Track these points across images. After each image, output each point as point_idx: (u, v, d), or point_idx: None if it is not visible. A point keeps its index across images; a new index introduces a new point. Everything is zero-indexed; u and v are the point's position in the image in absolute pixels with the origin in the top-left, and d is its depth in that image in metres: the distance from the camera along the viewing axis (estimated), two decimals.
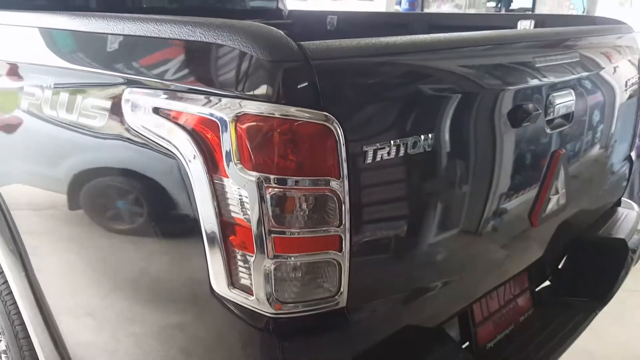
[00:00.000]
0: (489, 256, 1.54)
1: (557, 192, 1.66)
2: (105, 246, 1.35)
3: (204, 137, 1.06)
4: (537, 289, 2.04)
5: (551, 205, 1.66)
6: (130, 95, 1.19)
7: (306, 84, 1.03)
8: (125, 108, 1.19)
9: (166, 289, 1.24)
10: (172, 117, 1.11)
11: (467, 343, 1.72)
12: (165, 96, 1.13)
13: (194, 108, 1.07)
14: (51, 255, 1.55)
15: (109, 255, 1.35)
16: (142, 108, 1.16)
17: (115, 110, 1.22)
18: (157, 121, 1.13)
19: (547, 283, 2.13)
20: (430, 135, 1.20)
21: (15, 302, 1.69)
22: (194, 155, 1.06)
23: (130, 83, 1.20)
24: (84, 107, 1.29)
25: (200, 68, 1.12)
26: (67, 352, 1.59)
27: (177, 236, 1.20)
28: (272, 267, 1.04)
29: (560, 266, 2.13)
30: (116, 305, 1.38)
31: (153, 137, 1.14)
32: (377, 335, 1.26)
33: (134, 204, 1.26)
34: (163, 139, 1.12)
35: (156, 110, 1.13)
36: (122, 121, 1.20)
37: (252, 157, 1.01)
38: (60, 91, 1.36)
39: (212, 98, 1.06)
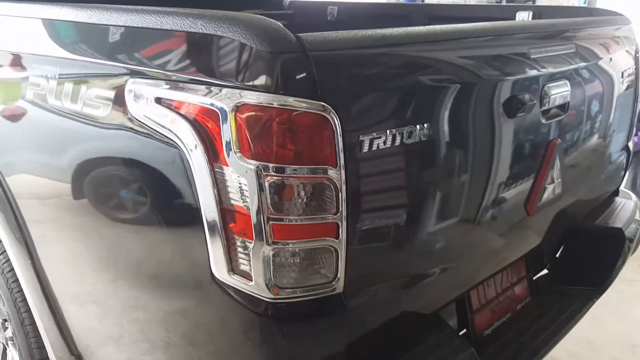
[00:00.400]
0: (484, 244, 1.57)
1: (552, 182, 1.68)
2: (108, 234, 1.39)
3: (204, 126, 1.08)
4: (534, 278, 2.07)
5: (547, 195, 1.68)
6: (133, 85, 1.21)
7: (304, 74, 1.05)
8: (129, 98, 1.22)
9: (168, 276, 1.27)
10: (174, 107, 1.13)
11: (464, 330, 1.76)
12: (167, 86, 1.15)
13: (195, 98, 1.10)
14: (56, 244, 1.58)
15: (112, 243, 1.38)
16: (145, 98, 1.18)
17: (119, 100, 1.24)
18: (160, 111, 1.15)
19: (544, 271, 2.17)
20: (426, 125, 1.22)
21: (21, 290, 1.73)
22: (195, 145, 1.09)
23: (133, 74, 1.23)
24: (88, 97, 1.32)
25: (201, 59, 1.14)
26: (72, 339, 1.63)
27: (179, 224, 1.22)
28: (271, 253, 1.07)
29: (557, 255, 2.16)
30: (119, 292, 1.41)
31: (155, 127, 1.17)
32: (374, 320, 1.29)
33: (136, 192, 1.29)
34: (165, 128, 1.15)
35: (158, 100, 1.16)
36: (125, 111, 1.23)
37: (252, 146, 1.04)
38: (65, 82, 1.39)
39: (212, 88, 1.08)
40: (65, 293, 1.61)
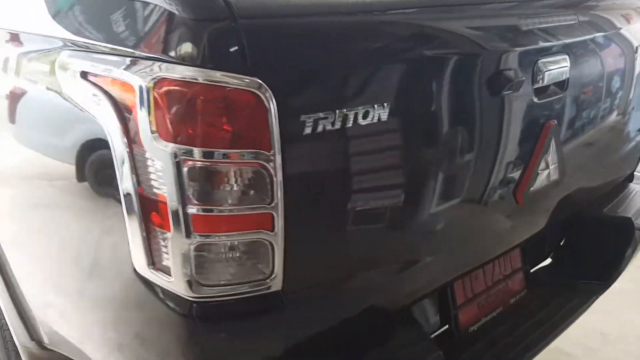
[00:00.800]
0: (463, 235, 1.41)
1: (547, 167, 1.52)
2: (43, 219, 1.30)
3: (123, 103, 0.96)
4: (533, 270, 1.92)
5: (540, 182, 1.52)
6: (63, 58, 1.11)
7: (233, 45, 0.92)
8: (59, 72, 1.11)
9: (94, 265, 1.17)
10: (96, 82, 1.02)
11: (446, 326, 1.63)
12: (91, 59, 1.04)
13: (115, 71, 0.98)
14: (7, 227, 1.50)
15: (48, 230, 1.29)
16: (72, 72, 1.08)
17: (52, 75, 1.14)
18: (84, 86, 1.04)
19: (547, 262, 2.01)
20: (386, 105, 1.08)
21: None
22: (114, 123, 0.97)
23: (64, 46, 1.13)
24: (28, 72, 1.23)
25: (125, 28, 1.01)
26: (32, 324, 1.55)
27: (104, 212, 1.11)
28: (192, 247, 0.95)
29: (560, 246, 2.00)
30: (61, 280, 1.32)
31: (82, 104, 1.06)
32: (323, 321, 1.16)
33: (67, 175, 1.18)
34: (90, 105, 1.03)
35: (84, 75, 1.04)
36: (58, 87, 1.12)
37: (170, 126, 0.91)
38: (8, 55, 1.30)
39: (132, 60, 0.96)
40: (23, 277, 1.53)
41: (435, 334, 1.63)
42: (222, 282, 0.99)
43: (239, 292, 1.00)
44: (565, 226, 1.95)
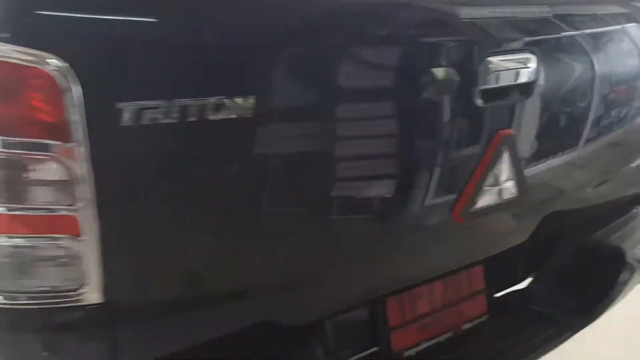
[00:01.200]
0: (375, 250, 1.21)
1: (497, 184, 1.28)
2: None
3: None
4: (499, 294, 1.69)
5: (488, 199, 1.29)
6: None
7: (24, 13, 0.77)
8: None
9: None
10: None
11: (376, 348, 1.45)
12: None
13: None
14: None
15: None
16: None
17: None
18: None
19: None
20: (250, 97, 0.90)
21: None
22: None
23: None
24: None
25: None
26: None
27: None
28: None
29: (538, 271, 1.75)
30: None
31: None
32: (176, 341, 1.00)
33: None
34: None
35: None
36: None
37: None
38: None
39: None
40: None
41: (362, 354, 1.46)
42: (16, 289, 0.85)
43: (40, 302, 0.86)
44: (544, 249, 1.70)
